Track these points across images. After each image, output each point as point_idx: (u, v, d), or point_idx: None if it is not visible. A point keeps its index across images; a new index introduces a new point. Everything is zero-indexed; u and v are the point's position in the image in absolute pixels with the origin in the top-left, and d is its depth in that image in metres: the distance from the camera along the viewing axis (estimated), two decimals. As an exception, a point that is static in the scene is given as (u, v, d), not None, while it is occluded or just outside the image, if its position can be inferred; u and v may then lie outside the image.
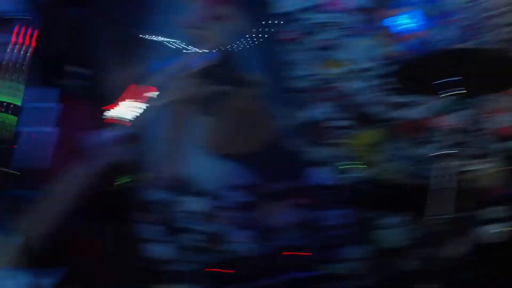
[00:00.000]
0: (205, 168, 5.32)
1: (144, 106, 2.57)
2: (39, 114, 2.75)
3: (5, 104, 2.17)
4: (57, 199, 2.42)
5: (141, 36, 5.48)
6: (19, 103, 2.19)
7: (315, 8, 5.48)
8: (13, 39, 2.56)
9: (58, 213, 2.41)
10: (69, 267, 2.45)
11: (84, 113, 2.73)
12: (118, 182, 2.72)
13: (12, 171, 2.62)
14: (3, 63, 2.57)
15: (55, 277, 2.40)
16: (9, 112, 2.18)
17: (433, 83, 4.10)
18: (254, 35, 5.45)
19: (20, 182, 2.59)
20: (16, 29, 2.59)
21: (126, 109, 2.56)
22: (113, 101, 2.56)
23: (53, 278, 2.39)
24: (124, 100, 2.58)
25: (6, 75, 2.23)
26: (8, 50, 2.54)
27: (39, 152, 2.68)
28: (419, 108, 5.27)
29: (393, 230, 4.93)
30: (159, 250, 5.03)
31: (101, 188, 2.62)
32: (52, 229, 2.40)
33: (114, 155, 2.52)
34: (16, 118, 2.36)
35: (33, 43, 2.76)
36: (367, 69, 5.38)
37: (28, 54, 2.73)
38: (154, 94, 2.60)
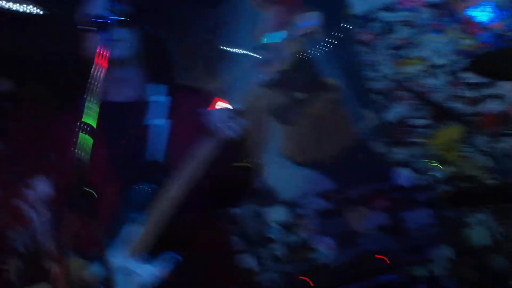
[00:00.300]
0: (286, 177, 5.33)
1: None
2: (153, 108, 2.89)
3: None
4: (177, 189, 2.57)
5: (220, 47, 5.59)
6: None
7: (389, 8, 5.42)
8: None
9: (178, 203, 2.53)
10: (184, 256, 2.57)
11: (194, 105, 2.79)
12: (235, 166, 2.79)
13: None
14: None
15: (171, 264, 2.54)
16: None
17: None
18: (329, 38, 5.44)
19: (142, 175, 2.74)
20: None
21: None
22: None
23: (169, 265, 2.54)
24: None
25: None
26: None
27: (156, 145, 2.79)
28: (498, 101, 5.15)
29: (479, 228, 4.84)
30: (246, 261, 5.07)
31: (219, 174, 2.71)
32: (172, 219, 2.51)
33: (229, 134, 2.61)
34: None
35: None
36: (444, 65, 5.28)
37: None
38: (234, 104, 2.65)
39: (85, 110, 2.32)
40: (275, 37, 2.71)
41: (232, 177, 2.80)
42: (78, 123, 2.30)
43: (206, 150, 2.59)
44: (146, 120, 2.88)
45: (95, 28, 2.73)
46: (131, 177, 2.76)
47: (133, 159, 2.81)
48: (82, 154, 2.25)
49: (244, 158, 2.72)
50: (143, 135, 2.84)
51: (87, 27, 2.79)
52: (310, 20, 2.63)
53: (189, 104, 2.91)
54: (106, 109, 2.58)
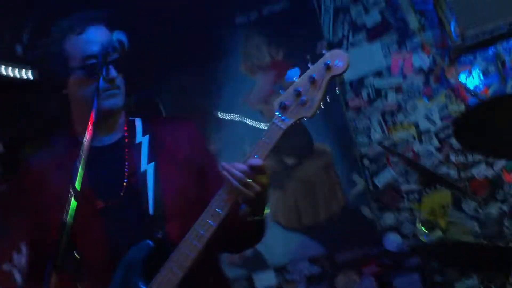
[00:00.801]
0: (275, 241, 5.33)
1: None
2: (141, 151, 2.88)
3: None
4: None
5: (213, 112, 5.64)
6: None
7: (379, 74, 5.49)
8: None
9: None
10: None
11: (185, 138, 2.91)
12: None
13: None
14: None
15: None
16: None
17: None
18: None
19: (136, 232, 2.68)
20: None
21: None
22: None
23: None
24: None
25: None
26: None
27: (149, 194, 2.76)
28: (487, 167, 5.19)
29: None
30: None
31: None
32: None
33: None
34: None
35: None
36: (433, 131, 5.32)
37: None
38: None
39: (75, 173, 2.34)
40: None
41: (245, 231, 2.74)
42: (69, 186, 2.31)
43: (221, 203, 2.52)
44: (134, 166, 2.79)
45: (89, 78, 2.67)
46: (122, 236, 2.66)
47: (124, 213, 2.71)
48: (67, 216, 2.25)
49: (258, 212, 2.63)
50: (134, 184, 2.75)
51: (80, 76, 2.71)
52: (295, 75, 2.53)
53: (179, 138, 2.86)
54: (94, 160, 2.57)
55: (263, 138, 2.53)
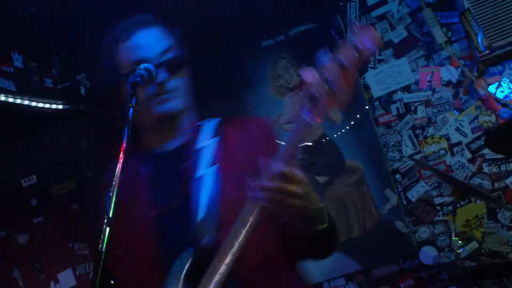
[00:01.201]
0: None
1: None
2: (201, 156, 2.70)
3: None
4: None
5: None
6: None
7: (407, 89, 5.51)
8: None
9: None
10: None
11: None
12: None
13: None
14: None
15: None
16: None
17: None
18: (350, 120, 5.52)
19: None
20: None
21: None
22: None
23: None
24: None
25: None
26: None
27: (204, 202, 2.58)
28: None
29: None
30: None
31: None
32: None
33: None
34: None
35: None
36: (465, 143, 5.33)
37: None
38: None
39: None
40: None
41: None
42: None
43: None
44: (190, 172, 2.62)
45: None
46: (171, 244, 2.52)
47: (174, 221, 2.57)
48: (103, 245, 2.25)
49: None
50: (188, 191, 2.58)
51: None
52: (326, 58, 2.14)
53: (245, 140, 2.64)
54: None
55: (289, 137, 2.21)
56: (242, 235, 2.23)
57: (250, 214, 2.23)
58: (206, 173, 2.56)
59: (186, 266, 2.41)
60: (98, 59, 2.77)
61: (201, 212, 2.49)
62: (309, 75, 2.13)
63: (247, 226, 2.23)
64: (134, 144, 2.73)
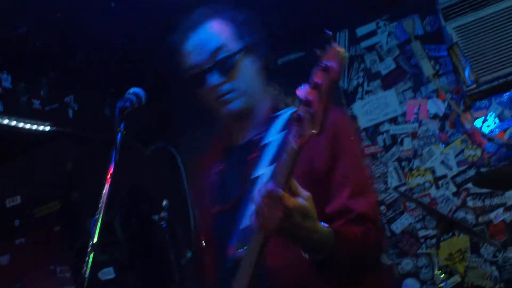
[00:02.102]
0: None
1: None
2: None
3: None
4: None
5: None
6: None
7: (394, 120, 5.53)
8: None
9: None
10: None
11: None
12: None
13: None
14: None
15: None
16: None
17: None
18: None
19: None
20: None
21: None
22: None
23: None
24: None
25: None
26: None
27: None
28: (505, 211, 5.19)
29: None
30: None
31: None
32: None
33: None
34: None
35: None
36: (450, 176, 5.35)
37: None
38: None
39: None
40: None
41: None
42: None
43: None
44: (250, 170, 2.49)
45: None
46: (222, 247, 2.45)
47: (227, 223, 2.47)
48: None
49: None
50: (243, 191, 2.47)
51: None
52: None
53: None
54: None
55: (281, 157, 2.05)
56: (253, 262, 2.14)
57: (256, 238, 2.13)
58: (264, 173, 2.41)
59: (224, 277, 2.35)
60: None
61: (246, 219, 2.35)
62: (302, 92, 2.00)
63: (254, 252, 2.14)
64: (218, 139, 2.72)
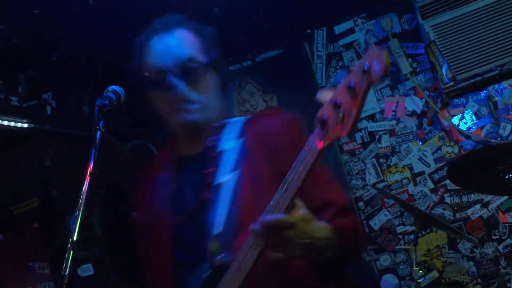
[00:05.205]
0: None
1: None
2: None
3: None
4: None
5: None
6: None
7: (373, 118, 5.56)
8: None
9: None
10: None
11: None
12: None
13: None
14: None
15: None
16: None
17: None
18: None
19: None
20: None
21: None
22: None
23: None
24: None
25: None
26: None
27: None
28: (482, 207, 5.24)
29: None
30: None
31: None
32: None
33: None
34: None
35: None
36: (427, 173, 5.38)
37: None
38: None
39: None
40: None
41: None
42: None
43: None
44: (210, 178, 2.50)
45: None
46: (185, 257, 2.48)
47: (189, 231, 2.49)
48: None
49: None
50: (206, 199, 2.47)
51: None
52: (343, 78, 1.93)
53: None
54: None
55: (297, 164, 2.03)
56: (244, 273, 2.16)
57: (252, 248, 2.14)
58: (226, 180, 2.44)
59: (201, 283, 2.34)
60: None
61: (218, 226, 2.37)
62: (325, 96, 1.97)
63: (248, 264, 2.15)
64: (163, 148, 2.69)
